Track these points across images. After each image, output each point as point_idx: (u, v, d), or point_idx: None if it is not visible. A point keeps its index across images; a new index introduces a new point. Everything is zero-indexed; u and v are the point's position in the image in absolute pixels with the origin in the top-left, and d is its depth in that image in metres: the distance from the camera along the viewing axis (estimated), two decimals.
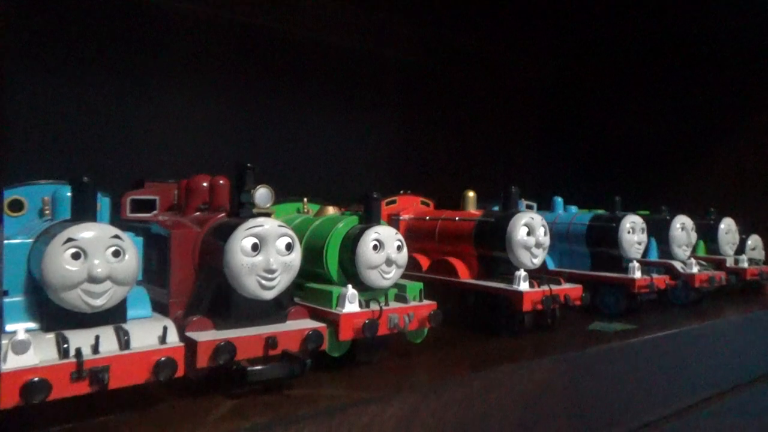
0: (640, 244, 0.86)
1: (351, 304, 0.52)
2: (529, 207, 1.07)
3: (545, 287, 0.68)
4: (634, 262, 0.83)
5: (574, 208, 1.02)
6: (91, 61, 0.83)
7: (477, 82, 1.36)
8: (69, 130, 0.80)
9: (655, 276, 0.84)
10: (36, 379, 0.35)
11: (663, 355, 0.74)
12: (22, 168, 0.71)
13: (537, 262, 0.71)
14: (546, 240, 0.71)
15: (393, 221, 0.87)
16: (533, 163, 1.50)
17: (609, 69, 1.43)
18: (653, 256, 0.97)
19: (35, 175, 0.56)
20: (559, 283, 0.72)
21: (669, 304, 0.93)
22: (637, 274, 0.82)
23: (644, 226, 0.87)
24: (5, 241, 0.42)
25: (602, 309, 0.85)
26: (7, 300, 0.42)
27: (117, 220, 0.61)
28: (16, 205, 0.52)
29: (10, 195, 0.52)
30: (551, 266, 0.93)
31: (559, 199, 1.00)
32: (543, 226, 0.71)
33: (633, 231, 0.86)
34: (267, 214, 0.48)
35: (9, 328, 0.40)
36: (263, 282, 0.46)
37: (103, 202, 0.57)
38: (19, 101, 0.77)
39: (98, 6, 0.83)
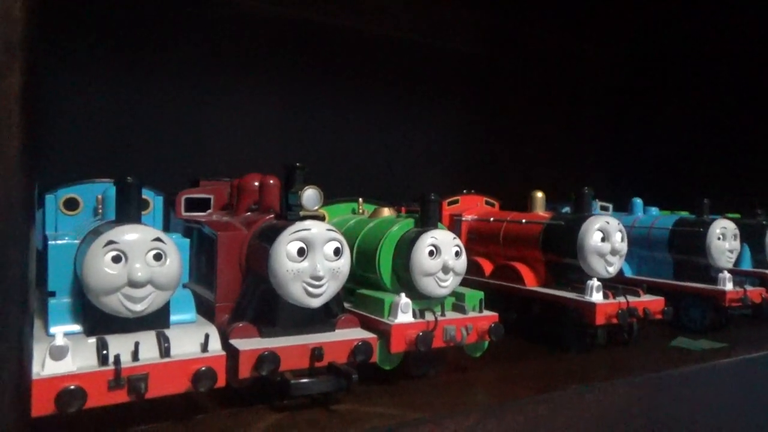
0: (731, 252, 0.77)
1: (404, 313, 0.48)
2: (604, 209, 0.99)
3: (621, 299, 0.62)
4: (725, 272, 0.75)
5: (654, 210, 0.94)
6: (150, 61, 0.84)
7: (544, 72, 1.28)
8: (126, 128, 0.81)
9: (749, 288, 0.75)
10: (72, 386, 0.34)
11: (757, 378, 0.66)
12: (80, 167, 0.73)
13: (612, 270, 0.65)
14: (623, 246, 0.65)
15: (455, 222, 0.82)
16: (607, 160, 1.40)
17: (689, 53, 1.31)
18: (746, 266, 0.87)
19: (94, 174, 0.56)
20: (638, 295, 0.65)
21: (765, 320, 0.83)
22: (729, 286, 0.74)
23: (737, 231, 0.78)
24: (51, 242, 0.41)
25: (686, 323, 0.77)
26: (53, 301, 0.41)
27: (172, 218, 0.61)
28: (72, 204, 0.52)
29: (65, 194, 0.52)
30: (628, 273, 0.85)
31: (638, 201, 0.92)
32: (620, 231, 0.65)
33: (724, 237, 0.77)
34: (316, 217, 0.45)
35: (53, 330, 0.39)
36: (310, 289, 0.43)
37: (157, 201, 0.56)
38: (79, 99, 0.78)
39: (153, 5, 0.84)
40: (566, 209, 0.94)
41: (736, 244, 0.78)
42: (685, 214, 0.96)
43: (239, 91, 0.92)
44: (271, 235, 0.44)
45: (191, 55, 0.87)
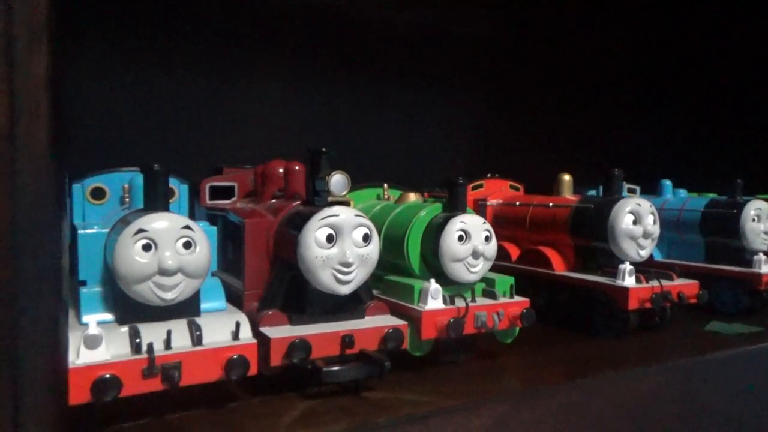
0: (767, 233, 0.75)
1: (434, 300, 0.48)
2: (631, 191, 0.96)
3: (655, 283, 0.61)
4: (760, 254, 0.72)
5: (683, 192, 0.91)
6: (172, 49, 0.84)
7: (567, 52, 1.25)
8: (149, 116, 0.81)
9: None
10: (107, 375, 0.34)
11: None
12: (103, 156, 0.73)
13: (644, 254, 0.63)
14: (655, 229, 0.63)
15: (480, 207, 0.81)
16: (634, 142, 1.37)
17: (718, 28, 1.26)
18: None
19: (118, 163, 0.56)
20: (672, 278, 0.63)
21: None
22: (764, 268, 0.72)
23: None
24: (81, 231, 0.41)
25: (719, 307, 0.75)
26: (84, 290, 0.41)
27: (196, 207, 0.61)
28: (98, 193, 0.52)
29: (92, 183, 0.52)
30: (657, 257, 0.83)
31: (667, 183, 0.90)
32: (652, 213, 0.63)
33: (759, 219, 0.75)
34: (343, 203, 0.44)
35: (85, 319, 0.39)
36: (339, 276, 0.43)
37: (182, 189, 0.56)
38: (101, 89, 0.78)
39: None
40: (591, 192, 0.92)
41: None
42: (713, 195, 0.93)
43: (259, 78, 0.91)
44: (299, 221, 0.43)
45: (213, 43, 0.87)
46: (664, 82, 1.38)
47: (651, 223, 0.63)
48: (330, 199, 0.44)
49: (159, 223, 0.38)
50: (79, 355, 0.35)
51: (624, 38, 1.34)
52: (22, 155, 0.28)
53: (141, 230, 0.38)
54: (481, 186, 0.84)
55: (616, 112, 1.35)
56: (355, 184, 0.65)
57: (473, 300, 0.50)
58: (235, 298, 0.47)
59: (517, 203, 0.77)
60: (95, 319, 0.39)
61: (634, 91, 1.38)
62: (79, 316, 0.40)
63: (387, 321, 0.45)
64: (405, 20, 1.04)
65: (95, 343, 0.35)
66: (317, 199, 0.45)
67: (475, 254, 0.49)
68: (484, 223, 0.50)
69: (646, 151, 1.36)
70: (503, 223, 0.78)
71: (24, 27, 0.27)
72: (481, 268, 0.50)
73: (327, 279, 0.42)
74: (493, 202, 0.81)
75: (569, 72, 1.26)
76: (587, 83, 1.29)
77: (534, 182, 0.87)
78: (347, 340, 0.42)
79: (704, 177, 1.02)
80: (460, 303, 0.48)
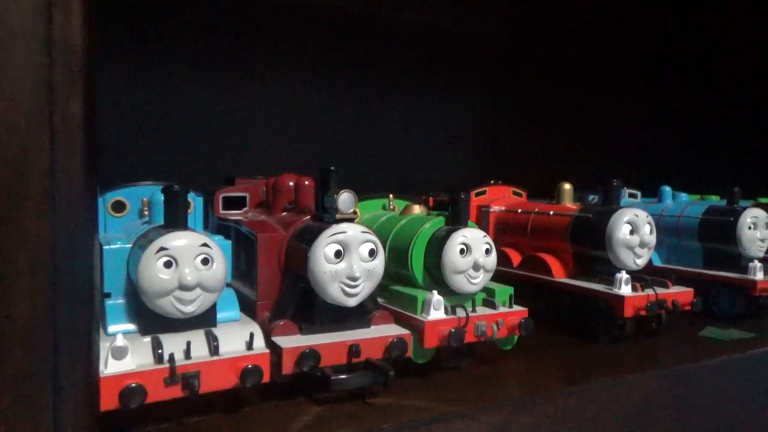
0: (763, 241, 0.77)
1: (436, 310, 0.50)
2: (632, 196, 0.99)
3: (650, 291, 0.63)
4: (756, 261, 0.74)
5: (684, 196, 0.93)
6: (186, 60, 0.86)
7: (571, 58, 1.27)
8: (163, 128, 0.84)
9: None
10: (133, 384, 0.37)
11: None
12: (123, 168, 0.76)
13: (641, 263, 0.65)
14: (652, 239, 0.65)
15: (483, 214, 0.83)
16: (636, 145, 1.39)
17: (719, 33, 1.28)
18: None
19: (135, 176, 0.58)
20: (667, 286, 0.66)
21: None
22: (759, 275, 0.74)
23: None
24: (106, 247, 0.44)
25: (716, 313, 0.77)
26: (109, 302, 0.44)
27: (210, 217, 0.63)
28: (119, 206, 0.55)
29: (113, 197, 0.55)
30: (657, 262, 0.85)
31: (667, 189, 0.92)
32: (649, 223, 0.65)
33: (755, 226, 0.76)
34: (350, 219, 0.47)
35: (111, 329, 0.42)
36: (346, 289, 0.45)
37: (197, 202, 0.59)
38: (117, 100, 0.81)
39: (186, 4, 0.86)
40: (594, 197, 0.94)
41: None
42: (715, 199, 0.95)
43: (271, 87, 0.94)
44: (308, 237, 0.46)
45: (227, 53, 0.89)
46: (668, 85, 1.39)
47: (648, 233, 0.65)
48: (338, 216, 0.47)
49: (179, 241, 0.41)
50: (107, 366, 0.37)
51: (628, 45, 1.35)
52: (60, 187, 0.31)
53: (162, 248, 0.40)
54: (484, 192, 0.86)
55: (619, 116, 1.36)
56: (362, 188, 0.68)
57: (473, 310, 0.52)
58: (247, 307, 0.50)
59: (519, 210, 0.79)
60: (120, 329, 0.42)
61: (637, 94, 1.40)
62: (105, 327, 0.43)
63: (391, 330, 0.48)
64: (409, 21, 1.05)
65: (122, 354, 0.38)
66: (326, 215, 0.47)
67: (476, 267, 0.51)
68: (485, 236, 0.53)
69: (649, 153, 1.38)
70: (505, 230, 0.80)
71: (62, 73, 0.30)
72: (481, 279, 0.52)
73: (335, 292, 0.45)
74: (495, 208, 0.83)
75: (573, 76, 1.27)
76: (591, 87, 1.30)
77: (537, 187, 0.89)
78: (354, 349, 0.45)
79: (706, 179, 1.04)
80: (461, 313, 0.51)
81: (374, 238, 0.47)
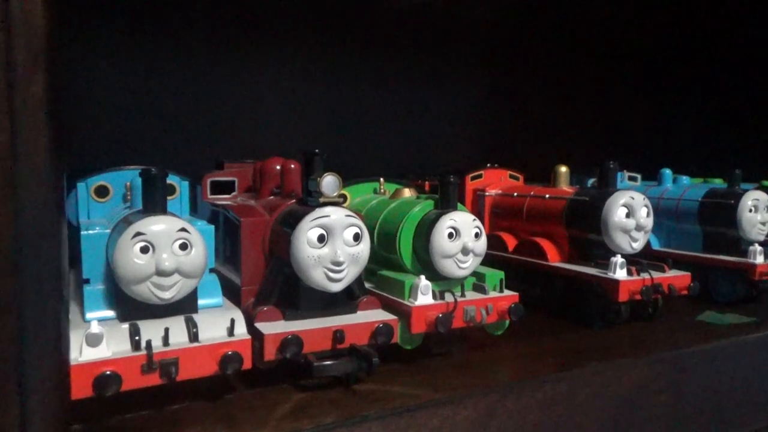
0: (764, 224, 0.75)
1: (424, 295, 0.49)
2: (632, 179, 0.97)
3: (645, 275, 0.62)
4: (756, 245, 0.73)
5: (685, 179, 0.91)
6: (174, 44, 0.85)
7: (569, 40, 1.24)
8: (150, 112, 0.83)
9: None
10: (108, 372, 0.36)
11: None
12: (106, 152, 0.75)
13: (637, 246, 0.64)
14: (648, 222, 0.64)
15: (478, 197, 0.82)
16: (636, 127, 1.36)
17: (720, 17, 1.25)
18: None
19: (125, 161, 0.57)
20: (663, 270, 0.64)
21: None
22: (759, 259, 0.72)
23: None
24: (84, 232, 0.43)
25: (714, 297, 0.76)
26: (88, 288, 0.43)
27: (199, 201, 0.62)
28: (102, 191, 0.54)
29: (95, 181, 0.54)
30: (656, 246, 0.84)
31: (667, 172, 0.90)
32: (645, 206, 0.64)
33: (756, 209, 0.75)
34: (335, 203, 0.46)
35: (89, 316, 0.42)
36: (330, 274, 0.44)
37: (183, 186, 0.58)
38: (102, 85, 0.80)
39: None
40: (592, 180, 0.93)
41: None
42: (718, 181, 0.93)
43: (260, 68, 0.92)
44: (292, 221, 0.45)
45: (215, 37, 0.88)
46: (667, 67, 1.36)
47: (644, 216, 0.64)
48: (322, 199, 0.46)
49: (156, 226, 0.40)
50: (82, 353, 0.37)
51: (627, 29, 1.32)
52: (23, 169, 0.30)
53: (139, 233, 0.39)
54: (480, 176, 0.85)
55: (618, 98, 1.34)
56: (357, 173, 0.67)
57: (462, 295, 0.51)
58: (233, 293, 0.49)
59: (515, 194, 0.78)
60: (98, 316, 0.41)
61: (636, 77, 1.37)
62: (83, 313, 0.42)
63: (378, 316, 0.47)
64: (405, 5, 1.03)
65: (96, 342, 0.37)
66: (309, 199, 0.46)
67: (465, 251, 0.50)
68: (474, 220, 0.52)
69: (649, 136, 1.36)
70: (501, 214, 0.79)
71: (23, 51, 0.29)
72: (470, 264, 0.51)
73: (318, 277, 0.44)
74: (491, 192, 0.82)
75: (571, 59, 1.25)
76: (589, 69, 1.28)
77: (535, 170, 0.87)
78: (338, 335, 0.44)
79: (708, 162, 1.02)
80: (449, 298, 0.50)
81: (359, 222, 0.45)
